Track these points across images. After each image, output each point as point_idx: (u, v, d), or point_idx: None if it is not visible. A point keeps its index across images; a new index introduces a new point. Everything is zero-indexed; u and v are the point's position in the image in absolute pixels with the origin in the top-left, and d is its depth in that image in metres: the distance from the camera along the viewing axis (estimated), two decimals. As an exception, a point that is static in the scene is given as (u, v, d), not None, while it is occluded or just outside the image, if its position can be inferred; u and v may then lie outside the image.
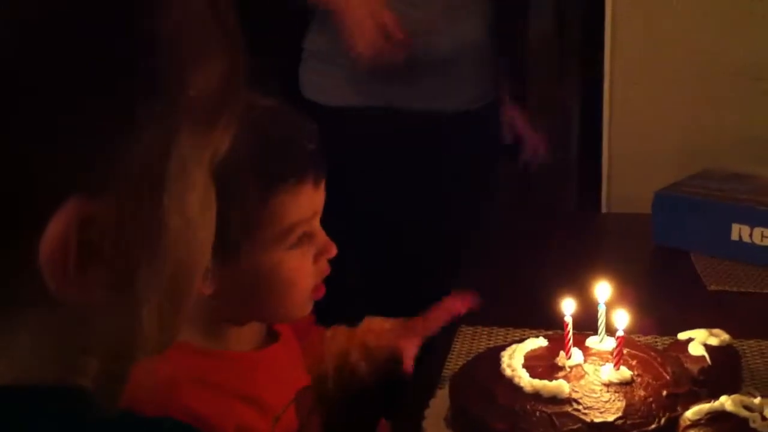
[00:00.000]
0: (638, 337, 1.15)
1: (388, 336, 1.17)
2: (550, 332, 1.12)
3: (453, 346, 1.23)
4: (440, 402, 1.04)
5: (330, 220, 0.99)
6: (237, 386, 0.95)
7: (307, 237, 0.96)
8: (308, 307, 1.00)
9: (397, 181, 1.65)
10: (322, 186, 0.98)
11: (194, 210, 0.50)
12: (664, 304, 1.32)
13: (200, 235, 0.51)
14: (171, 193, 0.47)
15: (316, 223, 0.98)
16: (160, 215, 0.46)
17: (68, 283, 0.44)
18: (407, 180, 1.65)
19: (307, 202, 0.94)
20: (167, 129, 0.46)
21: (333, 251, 0.98)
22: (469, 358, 1.11)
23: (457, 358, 1.19)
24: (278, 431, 0.97)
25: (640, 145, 1.86)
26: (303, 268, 0.95)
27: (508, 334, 1.24)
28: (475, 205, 1.69)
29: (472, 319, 1.29)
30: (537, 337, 1.08)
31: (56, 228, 0.42)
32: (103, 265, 0.44)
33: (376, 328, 1.18)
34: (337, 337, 1.19)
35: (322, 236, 0.98)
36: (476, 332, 1.26)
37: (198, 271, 0.52)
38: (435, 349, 1.24)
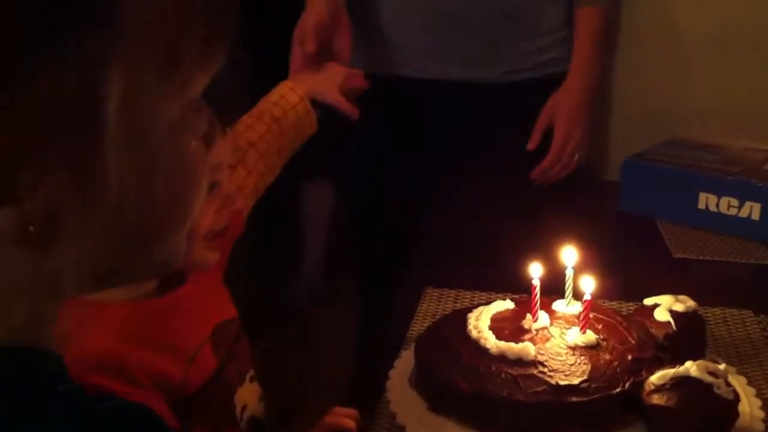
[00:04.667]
0: (604, 302, 1.15)
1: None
2: (516, 296, 1.11)
3: (418, 308, 1.22)
4: (404, 362, 1.03)
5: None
6: (144, 334, 0.91)
7: (213, 187, 0.94)
8: (208, 256, 0.97)
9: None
10: (226, 136, 0.96)
11: (153, 147, 0.46)
12: (630, 271, 1.32)
13: (175, 179, 0.48)
14: (123, 126, 0.43)
15: (223, 174, 0.96)
16: (95, 147, 0.43)
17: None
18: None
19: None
20: (99, 57, 0.42)
21: (237, 203, 0.98)
22: (435, 320, 1.11)
23: (422, 320, 1.18)
24: (194, 371, 0.94)
25: (610, 113, 1.85)
26: (201, 217, 0.93)
27: (474, 297, 1.24)
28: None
29: (438, 281, 1.29)
30: (504, 300, 1.08)
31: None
32: (19, 199, 0.41)
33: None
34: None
35: (228, 187, 0.97)
36: (442, 295, 1.26)
37: (176, 215, 0.50)
38: (400, 310, 1.23)
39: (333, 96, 1.30)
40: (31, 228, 0.42)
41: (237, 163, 1.15)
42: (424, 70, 1.63)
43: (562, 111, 1.60)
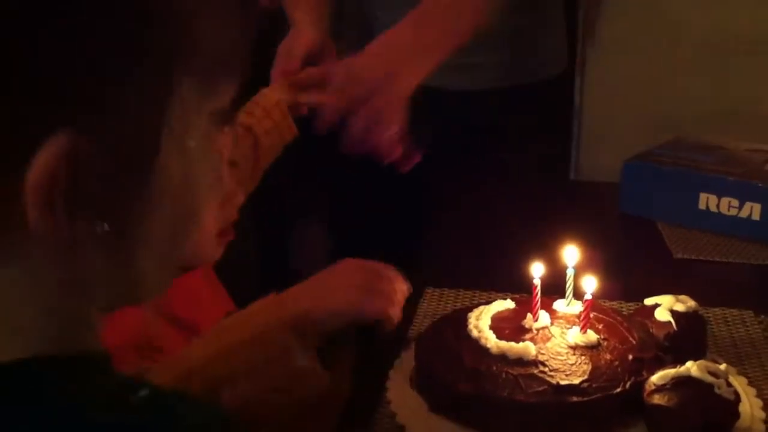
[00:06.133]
0: (605, 302, 1.15)
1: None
2: (517, 295, 1.11)
3: (419, 307, 1.22)
4: (405, 363, 1.03)
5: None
6: (160, 306, 0.94)
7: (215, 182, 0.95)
8: (217, 251, 1.00)
9: None
10: (231, 132, 0.97)
11: (194, 158, 0.50)
12: (630, 271, 1.32)
13: (202, 182, 0.52)
14: (169, 140, 0.47)
15: (224, 170, 0.96)
16: (158, 160, 0.47)
17: (56, 219, 0.43)
18: None
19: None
20: (168, 75, 0.46)
21: (240, 198, 0.99)
22: (435, 319, 1.11)
23: (422, 320, 1.18)
24: None
25: (612, 115, 1.85)
26: (208, 215, 0.95)
27: (474, 296, 1.23)
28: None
29: (438, 281, 1.29)
30: (504, 299, 1.08)
31: (45, 159, 0.42)
32: (93, 204, 0.44)
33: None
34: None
35: (229, 183, 0.97)
36: (443, 294, 1.25)
37: (198, 218, 0.53)
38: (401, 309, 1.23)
39: (314, 96, 1.30)
40: (105, 226, 0.45)
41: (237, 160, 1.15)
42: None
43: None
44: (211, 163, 0.53)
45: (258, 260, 1.86)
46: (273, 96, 1.26)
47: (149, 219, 0.48)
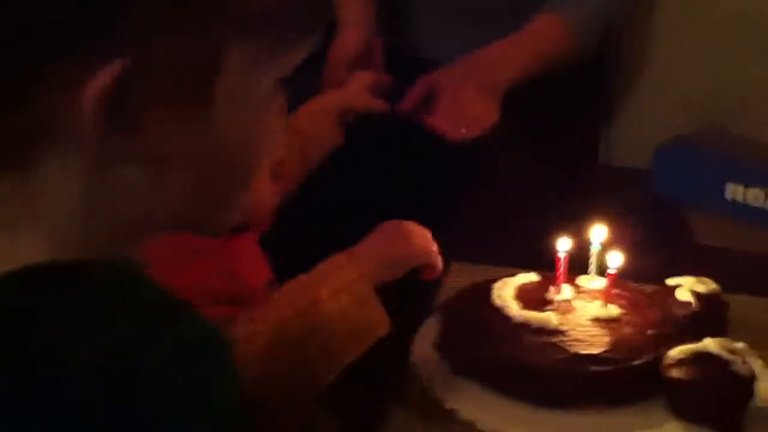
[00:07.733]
0: (627, 282, 1.16)
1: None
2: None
3: (444, 281, 1.24)
4: (429, 329, 1.06)
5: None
6: (222, 263, 0.97)
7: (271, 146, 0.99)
8: (273, 199, 1.04)
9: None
10: (280, 102, 1.00)
11: (253, 118, 0.54)
12: (655, 255, 1.33)
13: (259, 144, 0.56)
14: (225, 96, 0.51)
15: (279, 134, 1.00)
16: (210, 107, 0.51)
17: (101, 130, 0.48)
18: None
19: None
20: (218, 36, 0.50)
21: (285, 167, 1.03)
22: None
23: (448, 292, 1.19)
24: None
25: (646, 99, 1.85)
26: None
27: (500, 272, 1.25)
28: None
29: (464, 256, 1.31)
30: (528, 273, 1.10)
31: (101, 78, 0.47)
32: (141, 126, 0.49)
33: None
34: None
35: (279, 148, 1.00)
36: (468, 269, 1.27)
37: (249, 170, 0.58)
38: (426, 284, 1.25)
39: (363, 101, 1.36)
40: (147, 152, 0.50)
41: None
42: (443, 54, 1.65)
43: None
44: (272, 128, 0.57)
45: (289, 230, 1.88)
46: (323, 103, 1.33)
47: (194, 162, 0.52)
